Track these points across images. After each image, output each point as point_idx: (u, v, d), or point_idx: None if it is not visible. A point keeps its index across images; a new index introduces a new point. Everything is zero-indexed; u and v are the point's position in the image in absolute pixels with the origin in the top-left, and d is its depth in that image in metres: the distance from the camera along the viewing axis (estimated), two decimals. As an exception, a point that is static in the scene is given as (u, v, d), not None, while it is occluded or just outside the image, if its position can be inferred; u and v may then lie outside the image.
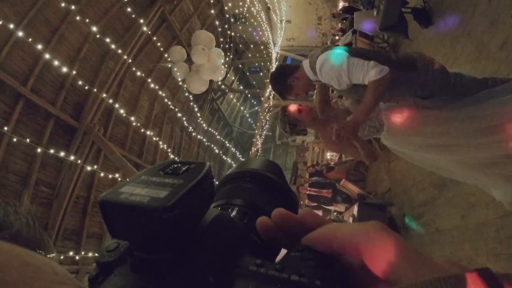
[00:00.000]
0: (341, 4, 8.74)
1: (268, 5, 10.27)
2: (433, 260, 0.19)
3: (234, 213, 0.29)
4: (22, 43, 4.69)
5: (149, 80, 6.31)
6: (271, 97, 10.40)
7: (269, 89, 10.52)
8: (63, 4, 4.82)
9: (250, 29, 10.43)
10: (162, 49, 6.56)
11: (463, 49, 2.97)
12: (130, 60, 5.99)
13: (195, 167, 0.22)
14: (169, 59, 6.60)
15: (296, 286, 0.20)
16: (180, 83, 7.32)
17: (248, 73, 13.65)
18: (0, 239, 0.24)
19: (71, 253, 5.32)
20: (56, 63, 4.62)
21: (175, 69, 6.44)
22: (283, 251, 0.26)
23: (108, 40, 5.40)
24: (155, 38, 6.37)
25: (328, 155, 9.13)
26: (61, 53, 5.54)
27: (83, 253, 5.56)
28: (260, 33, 10.26)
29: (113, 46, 5.39)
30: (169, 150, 7.17)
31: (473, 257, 2.37)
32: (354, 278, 0.23)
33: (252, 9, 9.08)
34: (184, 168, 0.22)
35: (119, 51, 5.68)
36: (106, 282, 0.21)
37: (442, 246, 2.90)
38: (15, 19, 4.60)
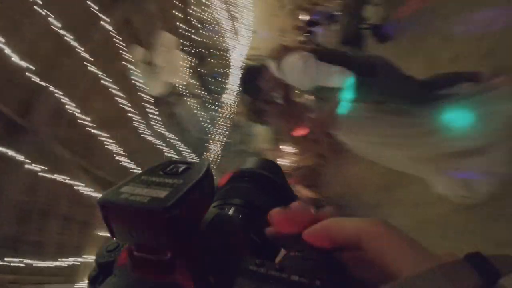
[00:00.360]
0: (304, 18, 9.17)
1: (234, 13, 10.45)
2: (434, 253, 0.19)
3: (233, 213, 0.30)
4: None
5: (107, 79, 6.03)
6: (231, 103, 10.49)
7: (231, 95, 10.64)
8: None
9: (214, 35, 10.47)
10: (122, 48, 6.33)
11: (416, 62, 3.32)
12: (87, 56, 5.68)
13: (194, 167, 0.22)
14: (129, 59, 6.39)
15: (296, 286, 0.20)
16: (138, 85, 7.08)
17: (211, 79, 13.62)
18: None
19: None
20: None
21: (135, 69, 6.25)
22: (283, 251, 0.26)
23: (65, 34, 5.08)
24: (116, 37, 6.13)
25: (282, 160, 9.38)
26: (12, 44, 5.08)
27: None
28: (224, 40, 10.36)
29: (71, 42, 5.07)
30: (124, 153, 6.85)
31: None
32: (353, 273, 0.23)
33: (218, 16, 9.16)
34: (184, 168, 0.22)
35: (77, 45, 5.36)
36: (106, 282, 0.21)
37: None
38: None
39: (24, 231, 5.34)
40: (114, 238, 0.22)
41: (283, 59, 1.75)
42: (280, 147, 9.26)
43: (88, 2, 5.73)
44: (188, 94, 11.62)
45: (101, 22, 5.93)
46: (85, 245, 6.07)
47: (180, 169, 0.22)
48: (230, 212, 0.29)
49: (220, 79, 12.71)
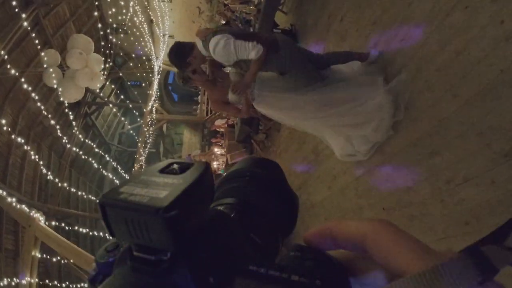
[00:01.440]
0: (222, 22, 9.50)
1: (152, 17, 10.22)
2: (437, 250, 0.19)
3: (233, 212, 0.30)
4: None
5: (19, 85, 5.33)
6: (153, 110, 10.17)
7: (151, 102, 10.28)
8: None
9: (132, 40, 10.07)
10: (33, 53, 5.69)
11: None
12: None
13: (194, 167, 0.22)
14: (41, 65, 5.78)
15: (296, 286, 0.20)
16: (50, 93, 6.41)
17: (129, 87, 12.95)
18: None
19: None
20: None
21: (48, 74, 5.68)
22: (283, 251, 0.26)
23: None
24: (25, 41, 5.49)
25: (215, 164, 9.50)
26: None
27: None
28: (142, 45, 10.04)
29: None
30: (41, 169, 6.11)
31: (342, 216, 3.08)
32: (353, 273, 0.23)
33: (135, 19, 8.87)
34: (183, 168, 0.22)
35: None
36: (106, 282, 0.21)
37: (318, 217, 3.60)
38: None
39: None
40: (114, 238, 0.22)
41: (208, 40, 2.05)
42: (215, 149, 9.34)
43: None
44: (106, 102, 10.86)
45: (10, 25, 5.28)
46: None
47: (180, 169, 0.22)
48: (230, 212, 0.30)
49: (140, 84, 12.20)
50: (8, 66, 5.03)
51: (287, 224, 0.33)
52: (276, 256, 0.28)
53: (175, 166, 0.23)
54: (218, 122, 9.17)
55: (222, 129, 9.27)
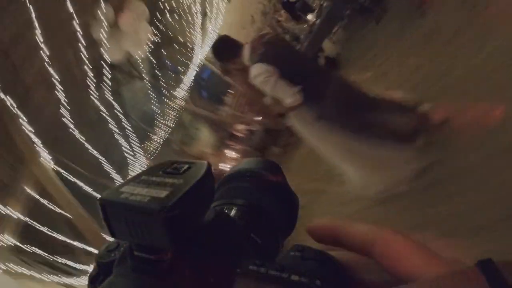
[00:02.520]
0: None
1: (207, 11, 10.56)
2: (445, 257, 0.19)
3: (234, 213, 0.30)
4: None
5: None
6: (183, 99, 10.31)
7: (184, 91, 10.46)
8: None
9: (184, 25, 10.38)
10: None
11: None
12: None
13: (195, 166, 0.22)
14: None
15: (297, 286, 0.20)
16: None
17: (170, 68, 13.27)
18: None
19: None
20: None
21: (97, 27, 5.87)
22: (284, 251, 0.26)
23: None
24: None
25: (222, 165, 9.40)
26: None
27: None
28: (192, 33, 10.33)
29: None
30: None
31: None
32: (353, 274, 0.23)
33: (192, 7, 9.17)
34: (184, 168, 0.22)
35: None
36: (106, 282, 0.21)
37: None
38: None
39: None
40: (114, 238, 0.22)
41: (253, 60, 1.97)
42: (225, 151, 9.31)
43: None
44: (140, 76, 11.12)
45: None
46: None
47: (181, 169, 0.22)
48: (231, 212, 0.30)
49: (178, 69, 12.46)
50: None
51: (287, 224, 0.33)
52: (276, 256, 0.26)
53: (177, 166, 0.22)
54: (239, 126, 9.16)
55: (241, 134, 9.23)
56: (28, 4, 4.25)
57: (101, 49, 6.14)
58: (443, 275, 0.16)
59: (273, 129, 5.35)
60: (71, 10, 5.07)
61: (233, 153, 9.26)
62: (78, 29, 5.34)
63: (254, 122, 8.00)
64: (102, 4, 5.83)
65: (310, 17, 7.41)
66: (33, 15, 4.31)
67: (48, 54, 4.83)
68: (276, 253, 0.28)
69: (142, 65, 10.14)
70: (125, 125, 9.27)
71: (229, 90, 10.27)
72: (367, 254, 0.21)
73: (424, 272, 0.18)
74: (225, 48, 2.17)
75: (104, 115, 7.36)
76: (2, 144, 4.94)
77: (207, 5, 10.33)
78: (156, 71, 12.71)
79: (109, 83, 7.27)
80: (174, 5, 9.63)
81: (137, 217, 0.19)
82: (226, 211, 0.30)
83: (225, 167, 9.54)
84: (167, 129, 10.88)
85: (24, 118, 4.47)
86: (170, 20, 9.89)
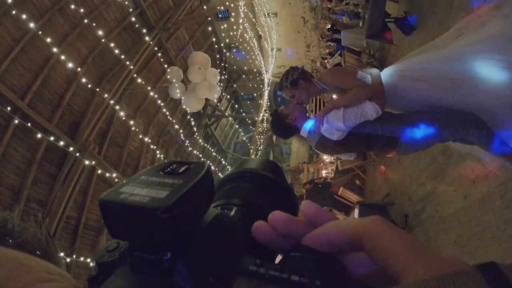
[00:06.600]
0: (327, 27, 9.28)
1: (260, 33, 10.82)
2: (435, 251, 0.19)
3: (234, 213, 0.29)
4: (21, 59, 4.83)
5: (150, 99, 6.41)
6: (264, 119, 10.64)
7: (262, 113, 10.81)
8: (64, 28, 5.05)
9: (244, 55, 10.84)
10: (159, 71, 6.79)
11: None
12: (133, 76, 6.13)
13: (194, 167, 0.22)
14: (167, 80, 6.81)
15: (296, 286, 0.20)
16: (176, 106, 7.42)
17: (242, 99, 14.02)
18: (3, 245, 0.26)
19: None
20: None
21: (173, 88, 6.59)
22: (284, 251, 0.26)
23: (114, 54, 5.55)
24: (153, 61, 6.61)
25: (324, 172, 9.19)
26: (60, 72, 5.68)
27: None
28: (253, 58, 10.68)
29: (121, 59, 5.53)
30: None
31: (481, 233, 2.34)
32: (355, 276, 0.23)
33: (245, 35, 9.54)
34: (183, 168, 0.22)
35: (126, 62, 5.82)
36: (106, 282, 0.21)
37: (447, 233, 2.86)
38: (17, 34, 4.77)
39: (75, 247, 5.63)
40: (114, 238, 0.22)
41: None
42: (324, 157, 9.13)
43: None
44: (223, 114, 12.04)
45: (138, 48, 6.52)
46: None
47: (180, 169, 0.22)
48: (231, 212, 0.29)
49: (252, 97, 13.01)
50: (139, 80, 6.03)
51: None
52: (276, 256, 0.27)
53: (176, 166, 0.23)
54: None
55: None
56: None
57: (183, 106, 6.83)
58: (443, 275, 0.16)
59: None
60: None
61: (329, 157, 8.97)
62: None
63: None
64: (168, 70, 6.52)
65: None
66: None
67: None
68: (276, 253, 0.27)
69: (219, 104, 10.94)
70: (222, 160, 10.03)
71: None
72: (359, 249, 0.21)
73: (413, 266, 0.18)
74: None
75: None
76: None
77: (257, 28, 10.60)
78: (234, 104, 13.58)
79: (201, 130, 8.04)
80: (227, 40, 10.24)
81: (136, 217, 0.19)
82: (226, 211, 0.29)
83: (325, 173, 9.35)
84: (260, 152, 11.31)
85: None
86: (228, 54, 10.49)
